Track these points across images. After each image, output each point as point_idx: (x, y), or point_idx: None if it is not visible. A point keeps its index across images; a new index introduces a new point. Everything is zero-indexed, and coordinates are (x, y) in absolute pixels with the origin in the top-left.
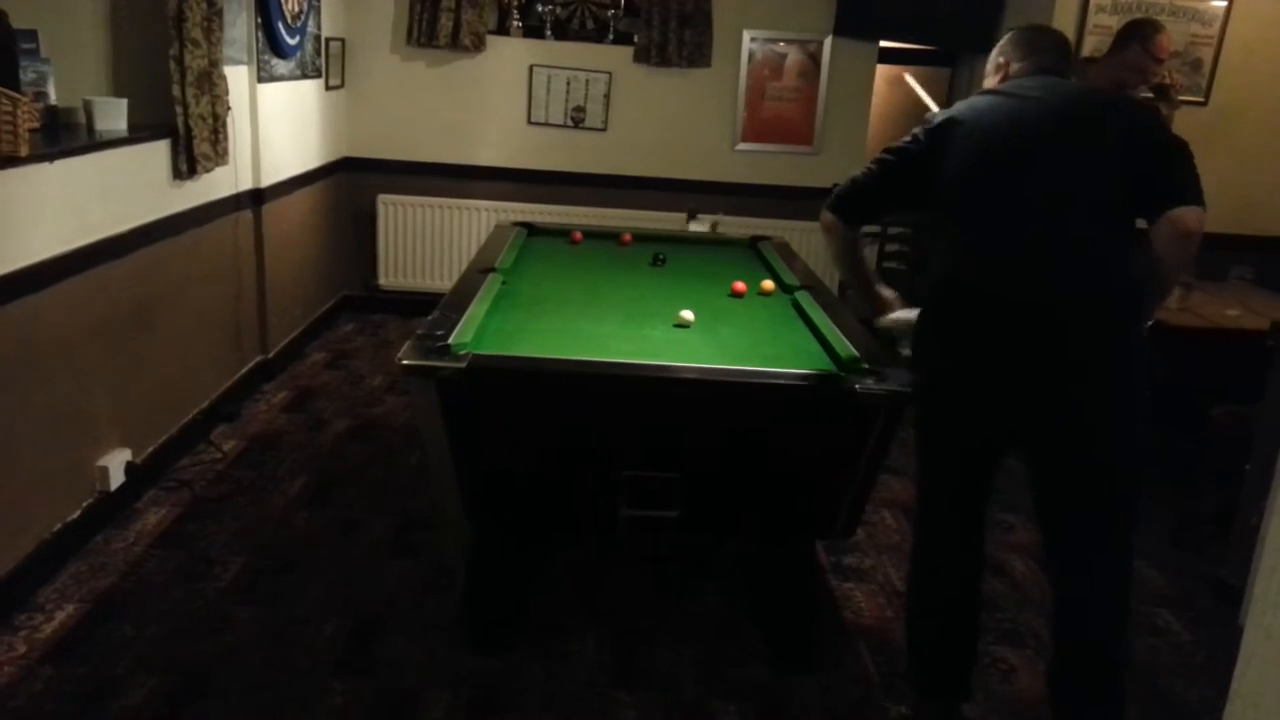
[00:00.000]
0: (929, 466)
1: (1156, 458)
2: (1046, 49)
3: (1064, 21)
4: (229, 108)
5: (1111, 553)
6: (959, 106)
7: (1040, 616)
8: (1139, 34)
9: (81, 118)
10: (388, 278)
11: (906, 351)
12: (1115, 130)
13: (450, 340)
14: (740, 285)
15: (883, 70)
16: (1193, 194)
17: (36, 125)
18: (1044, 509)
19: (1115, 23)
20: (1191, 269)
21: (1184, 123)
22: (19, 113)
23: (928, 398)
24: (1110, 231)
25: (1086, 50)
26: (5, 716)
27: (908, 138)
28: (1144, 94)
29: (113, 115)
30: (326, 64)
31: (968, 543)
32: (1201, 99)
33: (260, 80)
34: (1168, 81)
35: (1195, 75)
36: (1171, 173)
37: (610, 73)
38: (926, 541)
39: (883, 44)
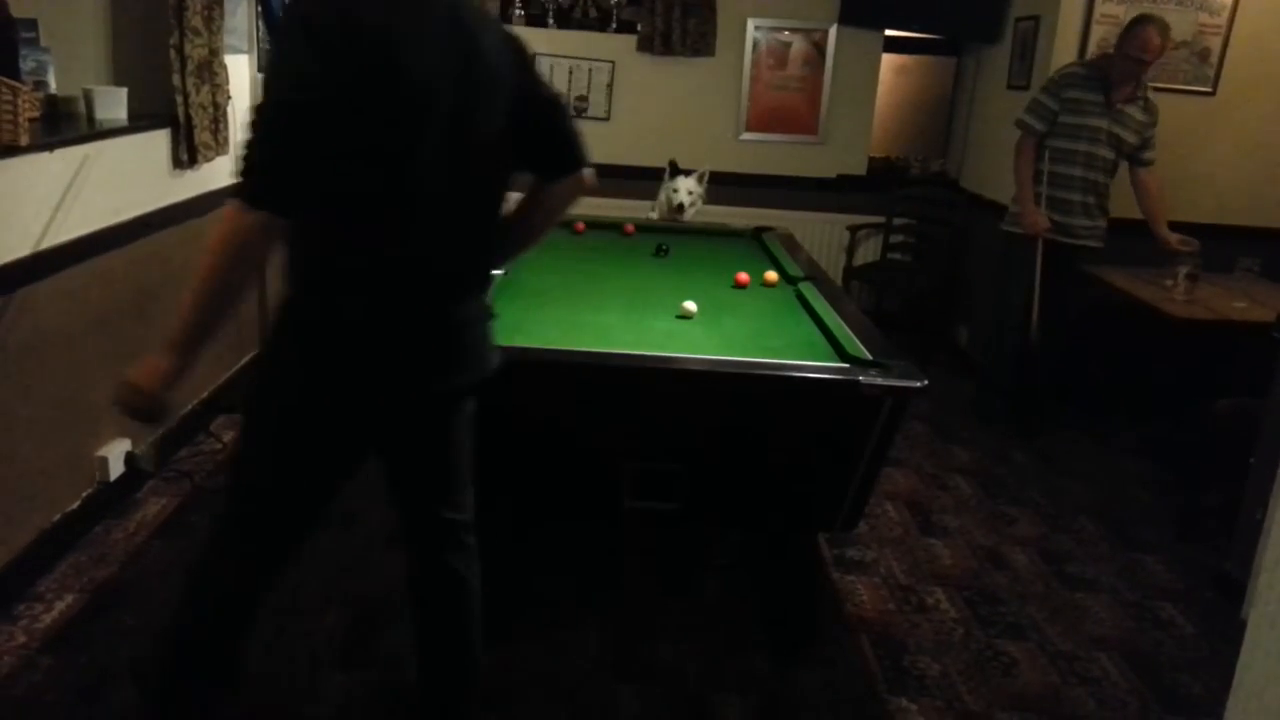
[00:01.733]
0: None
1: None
2: None
3: (1071, 11)
4: (229, 97)
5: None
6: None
7: (1043, 610)
8: (1125, 31)
9: (82, 107)
10: None
11: None
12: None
13: None
14: (743, 276)
15: (888, 60)
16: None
17: (37, 114)
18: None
19: (1123, 13)
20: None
21: (1192, 113)
22: (19, 102)
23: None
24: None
25: (1093, 41)
26: (5, 706)
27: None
28: (1138, 94)
29: (113, 104)
30: None
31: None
32: (1209, 89)
33: (260, 69)
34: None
35: (1203, 65)
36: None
37: (613, 62)
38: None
39: (888, 33)
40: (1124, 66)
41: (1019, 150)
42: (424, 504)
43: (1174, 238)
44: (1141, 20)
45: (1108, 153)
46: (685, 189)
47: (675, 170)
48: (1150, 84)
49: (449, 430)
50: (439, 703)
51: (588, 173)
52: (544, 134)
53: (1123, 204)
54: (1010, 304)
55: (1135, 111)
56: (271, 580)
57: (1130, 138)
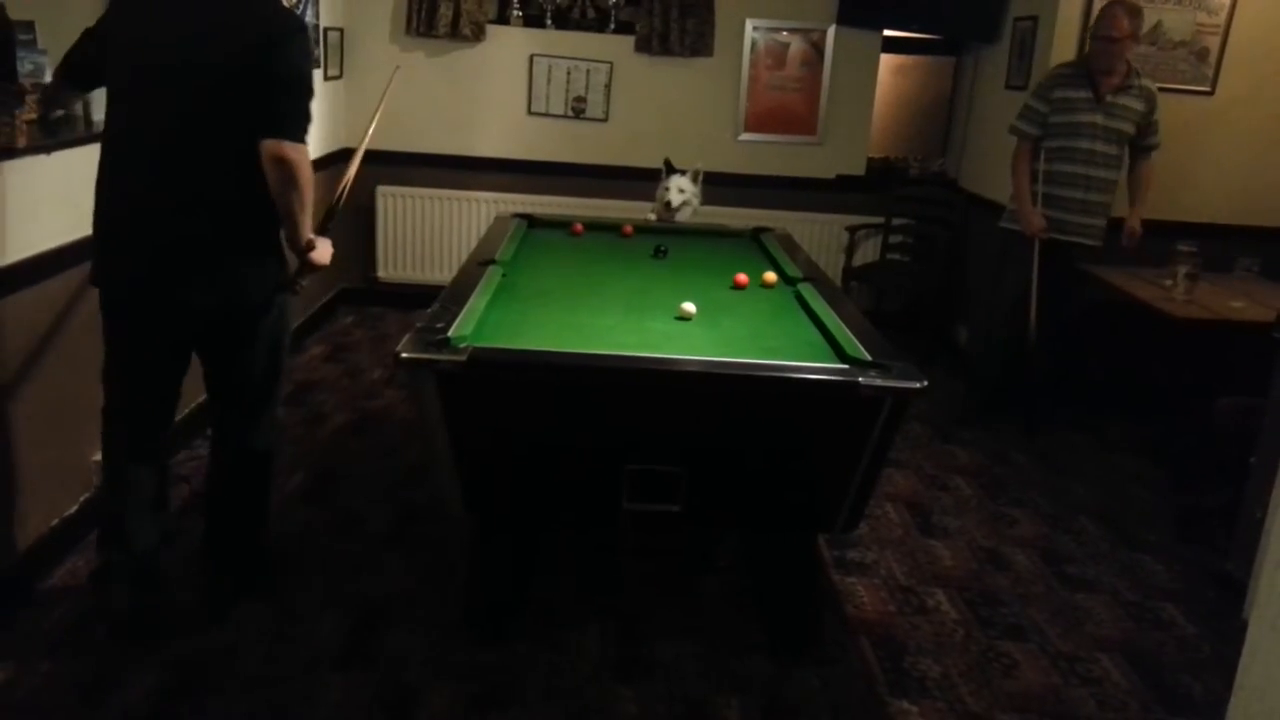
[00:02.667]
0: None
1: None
2: None
3: (1069, 11)
4: None
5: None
6: None
7: (1043, 611)
8: (1096, 18)
9: (79, 109)
10: (387, 270)
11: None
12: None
13: (450, 333)
14: (742, 277)
15: (886, 60)
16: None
17: (34, 116)
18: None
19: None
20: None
21: (1190, 112)
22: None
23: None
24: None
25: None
26: (5, 711)
27: None
28: (1129, 83)
29: None
30: (325, 54)
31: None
32: (1208, 89)
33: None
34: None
35: (1201, 65)
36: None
37: (611, 62)
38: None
39: (886, 33)
40: (1097, 50)
41: (1015, 156)
42: (216, 403)
43: (1138, 230)
44: (1110, 3)
45: (1105, 147)
46: (677, 187)
47: (670, 169)
48: (1144, 77)
49: (227, 346)
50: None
51: (269, 143)
52: (259, 104)
53: (1121, 205)
54: (1003, 301)
55: (1129, 100)
56: (137, 432)
57: (1127, 128)
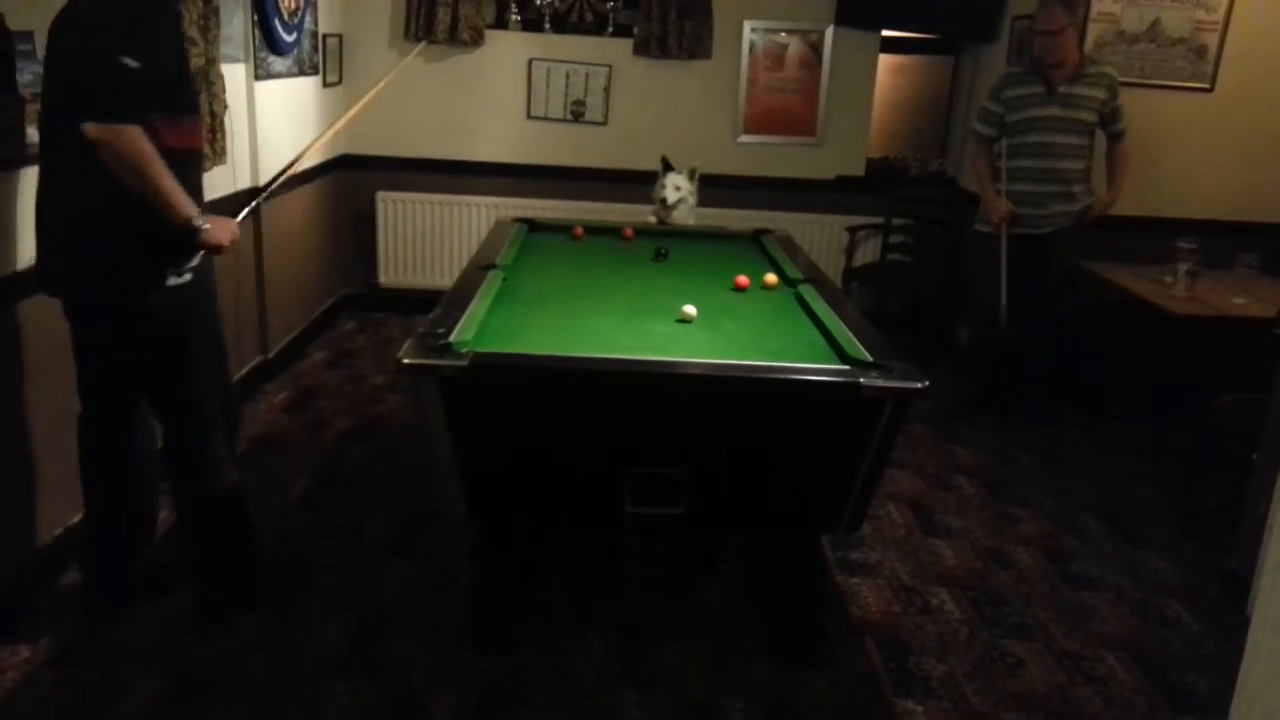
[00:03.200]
0: None
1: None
2: None
3: None
4: (226, 106)
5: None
6: None
7: (1048, 610)
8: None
9: None
10: (388, 275)
11: None
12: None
13: (451, 338)
14: (743, 279)
15: (885, 60)
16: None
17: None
18: None
19: (1119, 10)
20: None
21: (1190, 109)
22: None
23: None
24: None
25: (1090, 39)
26: (11, 719)
27: None
28: (1083, 71)
29: None
30: (324, 60)
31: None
32: (1207, 85)
33: (258, 78)
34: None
35: (1200, 62)
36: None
37: (610, 66)
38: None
39: (885, 33)
40: (1040, 45)
41: (972, 156)
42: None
43: (1108, 205)
44: None
45: (1066, 138)
46: (672, 185)
47: (667, 167)
48: (1102, 64)
49: (115, 349)
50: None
51: (85, 126)
52: (67, 87)
53: (1120, 201)
54: (979, 301)
55: (1085, 89)
56: (103, 436)
57: (1088, 116)
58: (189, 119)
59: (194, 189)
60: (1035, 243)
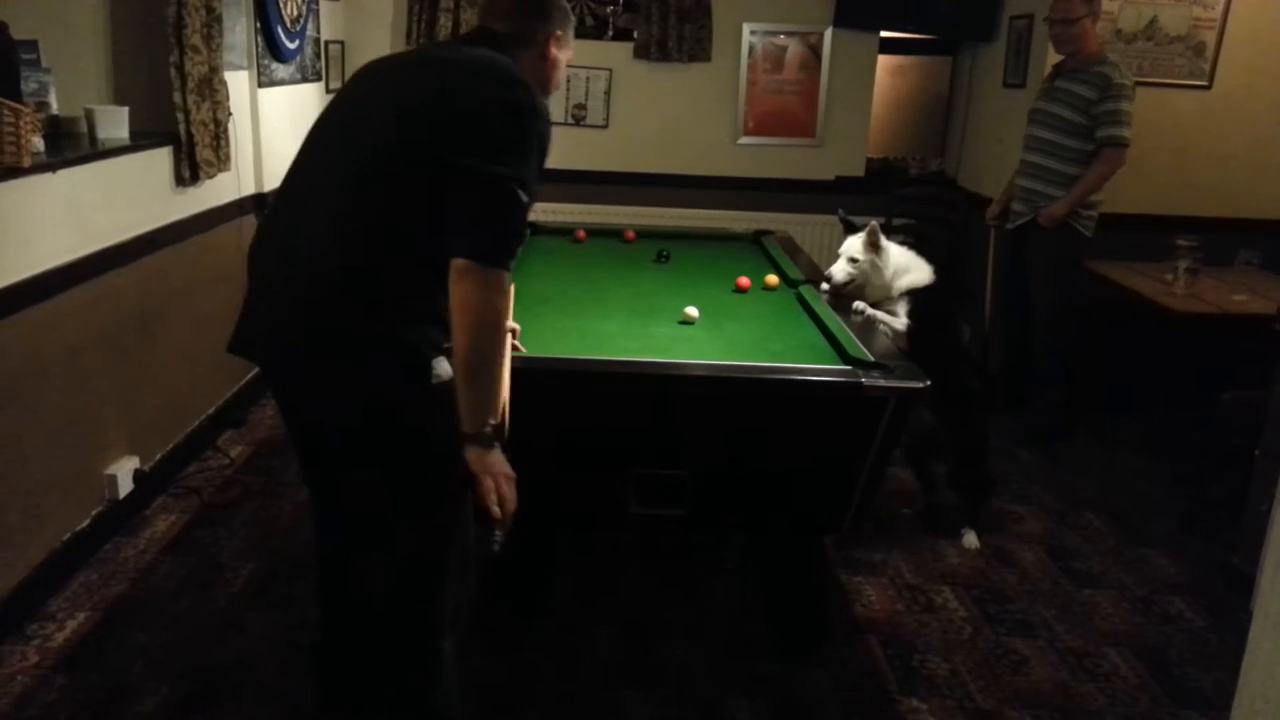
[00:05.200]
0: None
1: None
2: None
3: None
4: (230, 113)
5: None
6: None
7: (1051, 607)
8: None
9: (83, 127)
10: None
11: None
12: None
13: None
14: (744, 280)
15: (884, 61)
16: None
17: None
18: None
19: (1118, 9)
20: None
21: (1188, 107)
22: (21, 124)
23: None
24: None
25: None
26: None
27: None
28: (1086, 67)
29: (114, 123)
30: (326, 67)
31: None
32: (1205, 83)
33: (261, 85)
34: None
35: (1198, 59)
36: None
37: (610, 69)
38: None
39: (883, 34)
40: (1051, 34)
41: None
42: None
43: (1054, 215)
44: None
45: (1043, 132)
46: (846, 257)
47: (849, 228)
48: (1112, 65)
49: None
50: None
51: (459, 263)
52: (452, 204)
53: (1118, 199)
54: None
55: (1075, 85)
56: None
57: (1068, 113)
58: None
59: None
60: (1017, 239)
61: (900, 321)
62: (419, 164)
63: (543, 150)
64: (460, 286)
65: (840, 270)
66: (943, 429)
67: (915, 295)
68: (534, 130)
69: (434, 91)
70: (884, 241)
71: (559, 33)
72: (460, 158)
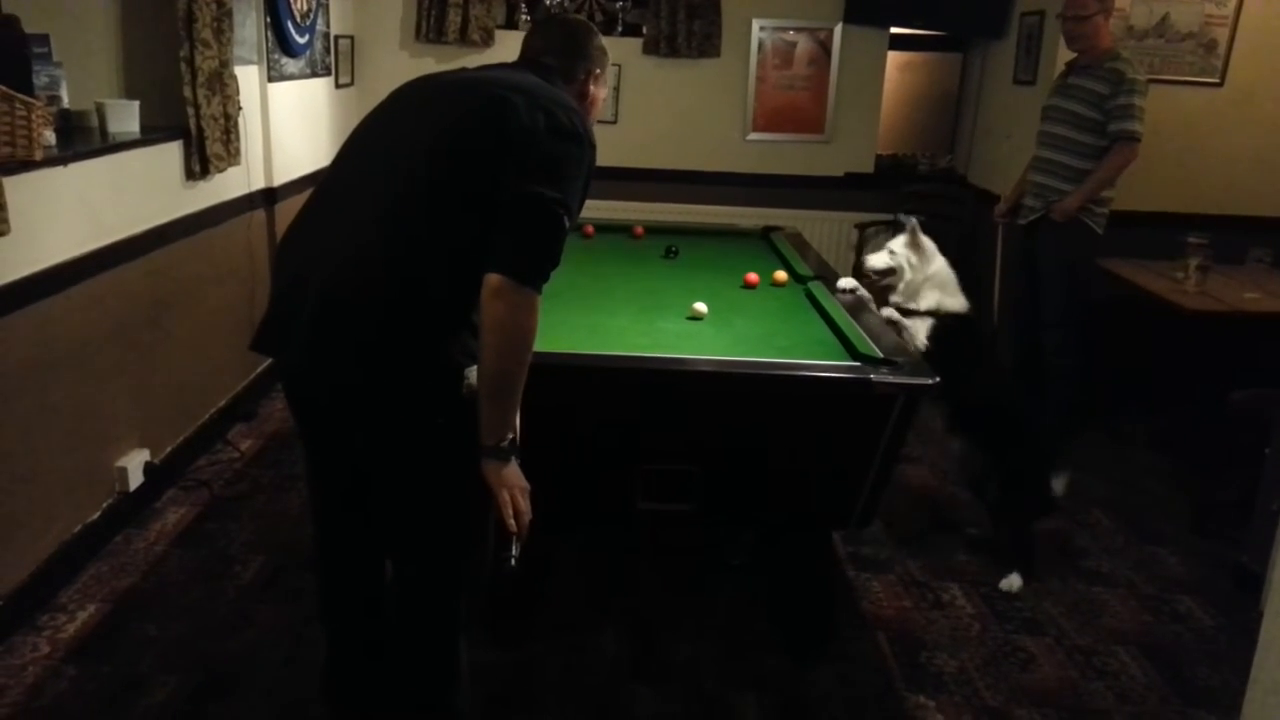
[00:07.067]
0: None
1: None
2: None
3: None
4: (240, 107)
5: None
6: None
7: (1059, 605)
8: None
9: (94, 120)
10: None
11: None
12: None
13: None
14: (753, 276)
15: (894, 57)
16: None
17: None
18: None
19: (1129, 5)
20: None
21: (1200, 104)
22: (33, 117)
23: None
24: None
25: None
26: (31, 717)
27: None
28: (1099, 63)
29: (125, 117)
30: (336, 62)
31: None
32: (1217, 80)
33: (270, 79)
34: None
35: (1210, 56)
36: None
37: (619, 65)
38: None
39: (893, 30)
40: (1063, 30)
41: None
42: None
43: (1067, 209)
44: None
45: (1057, 128)
46: (888, 249)
47: (897, 229)
48: (1125, 62)
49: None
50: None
51: (494, 279)
52: (499, 221)
53: (1129, 196)
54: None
55: (1087, 81)
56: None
57: (1080, 109)
58: None
59: None
60: (1028, 235)
61: (920, 340)
62: (471, 180)
63: (589, 178)
64: (493, 305)
65: (880, 259)
66: (988, 454)
67: (942, 320)
68: (585, 158)
69: (491, 111)
70: (925, 242)
71: (598, 71)
72: (513, 177)
